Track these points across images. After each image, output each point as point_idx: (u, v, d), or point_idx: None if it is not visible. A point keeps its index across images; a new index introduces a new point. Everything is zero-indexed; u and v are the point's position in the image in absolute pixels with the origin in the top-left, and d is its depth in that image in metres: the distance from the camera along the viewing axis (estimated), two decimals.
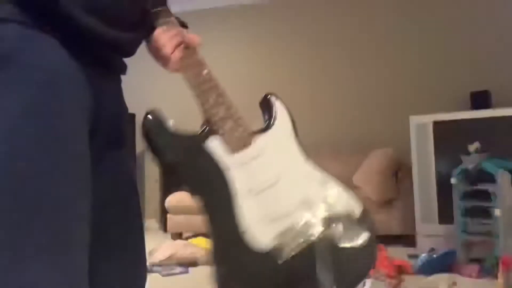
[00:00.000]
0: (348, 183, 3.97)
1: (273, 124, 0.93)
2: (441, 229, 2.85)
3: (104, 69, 0.70)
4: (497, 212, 2.19)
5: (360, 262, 0.86)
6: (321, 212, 0.83)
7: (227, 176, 0.79)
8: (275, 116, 0.95)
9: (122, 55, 0.74)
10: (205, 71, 0.84)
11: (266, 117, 0.95)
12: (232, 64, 4.64)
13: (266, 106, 0.97)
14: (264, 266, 0.78)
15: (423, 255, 2.48)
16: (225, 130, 0.82)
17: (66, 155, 0.57)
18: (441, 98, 4.14)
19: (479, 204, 2.41)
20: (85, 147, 0.60)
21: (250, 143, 0.83)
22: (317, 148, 4.39)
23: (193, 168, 0.81)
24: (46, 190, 0.54)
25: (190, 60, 0.82)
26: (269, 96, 0.99)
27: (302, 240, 0.80)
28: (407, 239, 3.28)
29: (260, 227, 0.78)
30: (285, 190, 0.83)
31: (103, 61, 0.69)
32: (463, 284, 2.12)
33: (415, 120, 3.03)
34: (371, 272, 2.27)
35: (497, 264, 2.14)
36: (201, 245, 3.01)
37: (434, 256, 2.43)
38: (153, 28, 0.79)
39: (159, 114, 0.82)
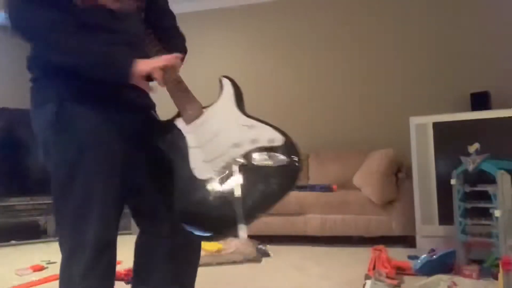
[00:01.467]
0: (348, 183, 3.99)
1: (219, 97, 1.26)
2: (441, 230, 2.85)
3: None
4: (497, 213, 2.20)
5: (280, 179, 1.09)
6: (247, 147, 1.13)
7: (186, 139, 1.19)
8: (221, 91, 1.27)
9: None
10: (179, 83, 1.22)
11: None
12: (232, 66, 4.64)
13: (219, 87, 1.29)
14: (204, 191, 1.09)
15: (423, 256, 2.49)
16: (184, 112, 1.22)
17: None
18: (441, 99, 4.15)
19: (479, 205, 2.42)
20: (100, 168, 1.17)
21: (200, 115, 1.20)
22: (318, 149, 4.40)
23: (169, 139, 1.22)
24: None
25: (169, 77, 1.20)
26: (220, 78, 1.30)
27: (227, 169, 1.10)
28: (407, 240, 3.28)
29: (203, 165, 1.13)
30: (221, 139, 1.15)
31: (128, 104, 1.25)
32: (463, 285, 2.12)
33: (415, 121, 3.03)
34: (371, 272, 2.27)
35: (497, 265, 2.14)
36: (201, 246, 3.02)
37: (434, 256, 2.44)
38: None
39: None
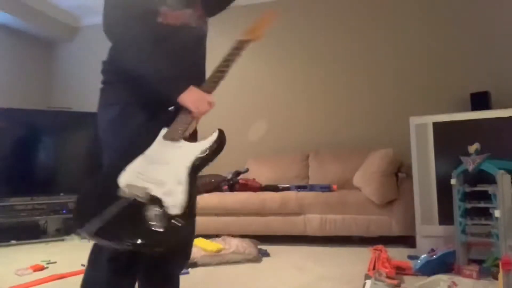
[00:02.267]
0: (348, 183, 3.99)
1: (199, 141, 1.35)
2: (441, 230, 2.85)
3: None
4: (497, 213, 2.20)
5: (144, 239, 1.15)
6: (157, 192, 1.20)
7: (152, 145, 1.32)
8: (206, 139, 1.34)
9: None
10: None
11: (193, 138, 1.43)
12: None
13: (211, 134, 1.36)
14: (113, 193, 1.20)
15: (423, 256, 2.49)
16: (174, 128, 1.34)
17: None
18: (441, 99, 4.15)
19: (479, 205, 2.42)
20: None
21: (176, 140, 1.32)
22: (318, 149, 4.41)
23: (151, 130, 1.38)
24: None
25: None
26: (216, 130, 1.36)
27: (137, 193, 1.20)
28: (407, 240, 3.28)
29: (132, 175, 1.24)
30: (161, 170, 1.25)
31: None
32: (463, 285, 2.12)
33: (415, 121, 3.03)
34: (371, 272, 2.27)
35: (497, 265, 2.14)
36: (201, 246, 3.02)
37: (434, 256, 2.44)
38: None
39: None
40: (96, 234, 1.15)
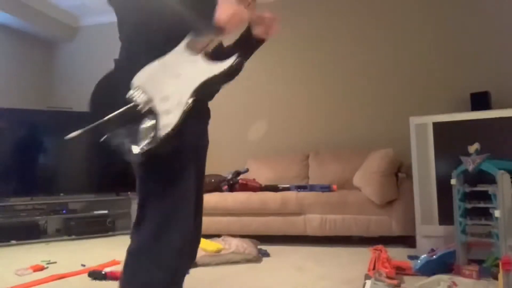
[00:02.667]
0: (348, 183, 3.99)
1: (216, 62, 1.19)
2: (441, 230, 2.85)
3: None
4: (497, 213, 2.20)
5: (128, 153, 1.12)
6: (158, 108, 1.12)
7: (170, 52, 1.18)
8: (223, 60, 1.20)
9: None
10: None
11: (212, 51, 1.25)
12: None
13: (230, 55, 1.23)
14: (125, 89, 1.13)
15: (423, 256, 2.49)
16: (197, 38, 1.19)
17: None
18: (441, 99, 4.15)
19: (479, 205, 2.42)
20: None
21: (194, 52, 1.18)
22: (318, 149, 4.41)
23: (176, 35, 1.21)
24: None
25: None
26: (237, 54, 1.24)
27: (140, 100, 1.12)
28: (407, 240, 3.29)
29: (144, 75, 1.14)
30: (169, 84, 1.15)
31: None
32: (463, 285, 2.12)
33: (415, 121, 3.03)
34: (371, 272, 2.27)
35: (497, 265, 2.14)
36: (201, 246, 3.02)
37: (434, 256, 2.44)
38: None
39: None
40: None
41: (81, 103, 5.21)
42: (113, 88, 1.17)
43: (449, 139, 2.90)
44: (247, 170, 4.25)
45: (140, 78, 1.13)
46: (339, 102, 4.56)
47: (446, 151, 2.88)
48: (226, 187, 4.02)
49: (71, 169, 4.67)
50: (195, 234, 1.38)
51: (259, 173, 4.30)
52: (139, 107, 1.10)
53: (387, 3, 4.48)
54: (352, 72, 4.54)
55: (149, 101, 1.11)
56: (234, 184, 4.01)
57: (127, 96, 1.12)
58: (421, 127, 2.98)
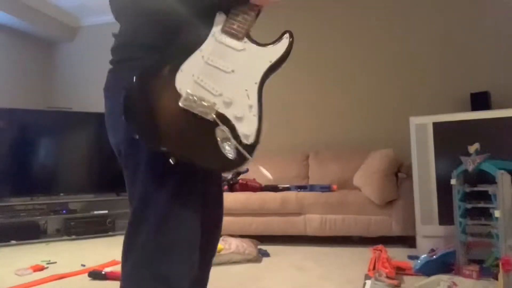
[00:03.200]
0: (348, 183, 3.98)
1: (266, 46, 1.07)
2: (441, 230, 2.85)
3: None
4: (497, 213, 2.20)
5: (213, 161, 0.98)
6: (228, 112, 0.99)
7: (208, 39, 1.01)
8: (273, 44, 1.09)
9: None
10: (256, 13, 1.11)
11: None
12: None
13: (278, 37, 1.12)
14: (171, 100, 0.96)
15: (423, 256, 2.49)
16: (232, 23, 1.02)
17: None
18: (441, 99, 4.15)
19: (479, 205, 2.42)
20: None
21: (240, 38, 1.02)
22: (318, 149, 4.41)
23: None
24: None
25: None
26: (285, 32, 1.13)
27: (200, 108, 0.97)
28: (407, 240, 3.29)
29: (190, 79, 0.97)
30: (224, 78, 0.99)
31: None
32: (463, 285, 2.12)
33: (415, 121, 3.03)
34: (371, 272, 2.27)
35: (497, 265, 2.14)
36: None
37: (434, 256, 2.44)
38: None
39: None
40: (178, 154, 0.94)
41: (81, 103, 5.23)
42: (147, 90, 0.98)
43: (449, 139, 2.90)
44: (247, 170, 4.25)
45: (185, 83, 0.97)
46: (339, 102, 4.56)
47: (446, 151, 2.88)
48: (226, 187, 4.02)
49: (71, 169, 4.67)
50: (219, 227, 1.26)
51: (259, 173, 4.30)
52: (208, 117, 0.96)
53: (387, 3, 4.48)
54: (352, 72, 4.54)
55: (211, 108, 0.96)
56: (234, 184, 4.01)
57: (183, 105, 0.96)
58: (421, 127, 2.98)
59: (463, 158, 2.50)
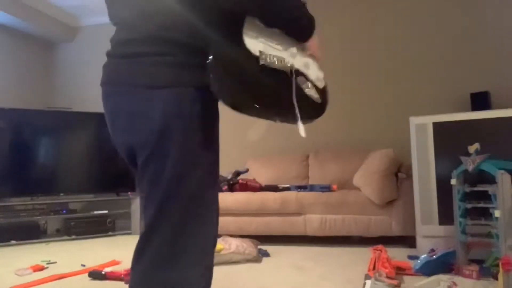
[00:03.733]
0: (348, 183, 3.98)
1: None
2: (441, 230, 2.85)
3: None
4: (497, 213, 2.20)
5: (307, 109, 1.09)
6: (298, 63, 1.11)
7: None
8: None
9: None
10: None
11: None
12: None
13: None
14: (251, 63, 0.99)
15: (423, 256, 2.49)
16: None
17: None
18: (441, 99, 4.15)
19: (479, 205, 2.42)
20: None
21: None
22: (318, 149, 4.41)
23: None
24: None
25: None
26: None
27: (277, 62, 1.04)
28: (407, 240, 3.29)
29: (254, 39, 1.01)
30: (284, 39, 1.09)
31: None
32: (463, 285, 2.12)
33: (415, 121, 3.03)
34: (371, 272, 2.27)
35: (497, 265, 2.14)
36: None
37: (434, 256, 2.44)
38: None
39: None
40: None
41: (81, 103, 5.23)
42: (226, 63, 0.98)
43: (449, 139, 2.90)
44: (247, 170, 4.25)
45: (254, 43, 1.01)
46: (339, 102, 4.55)
47: (446, 151, 2.88)
48: (226, 187, 4.01)
49: (71, 169, 4.67)
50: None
51: (259, 173, 4.30)
52: (286, 70, 1.05)
53: (387, 3, 4.48)
54: (352, 72, 4.54)
55: (284, 60, 1.06)
56: (234, 184, 4.01)
57: (264, 63, 1.00)
58: (421, 127, 2.98)
59: (463, 158, 2.50)
